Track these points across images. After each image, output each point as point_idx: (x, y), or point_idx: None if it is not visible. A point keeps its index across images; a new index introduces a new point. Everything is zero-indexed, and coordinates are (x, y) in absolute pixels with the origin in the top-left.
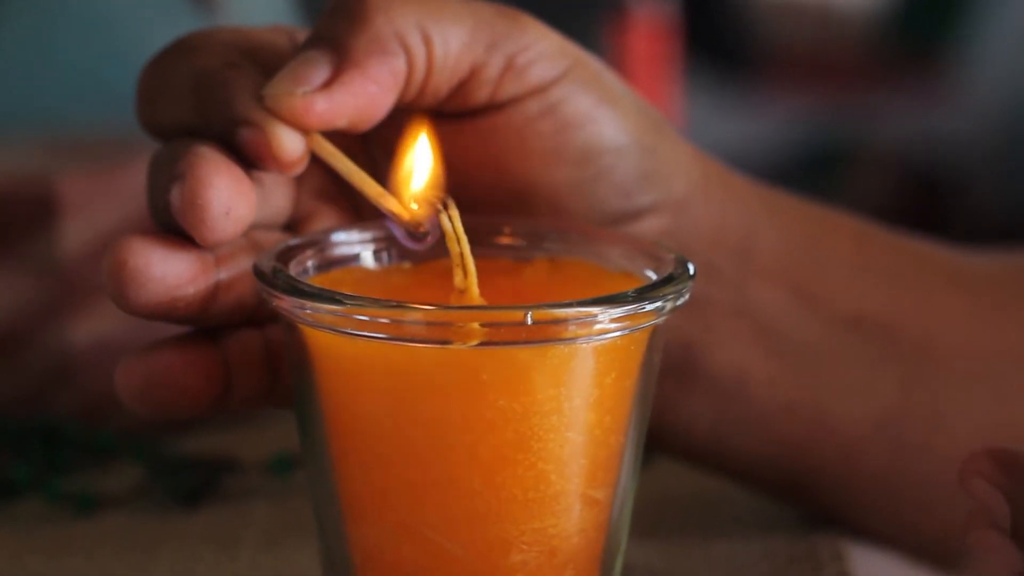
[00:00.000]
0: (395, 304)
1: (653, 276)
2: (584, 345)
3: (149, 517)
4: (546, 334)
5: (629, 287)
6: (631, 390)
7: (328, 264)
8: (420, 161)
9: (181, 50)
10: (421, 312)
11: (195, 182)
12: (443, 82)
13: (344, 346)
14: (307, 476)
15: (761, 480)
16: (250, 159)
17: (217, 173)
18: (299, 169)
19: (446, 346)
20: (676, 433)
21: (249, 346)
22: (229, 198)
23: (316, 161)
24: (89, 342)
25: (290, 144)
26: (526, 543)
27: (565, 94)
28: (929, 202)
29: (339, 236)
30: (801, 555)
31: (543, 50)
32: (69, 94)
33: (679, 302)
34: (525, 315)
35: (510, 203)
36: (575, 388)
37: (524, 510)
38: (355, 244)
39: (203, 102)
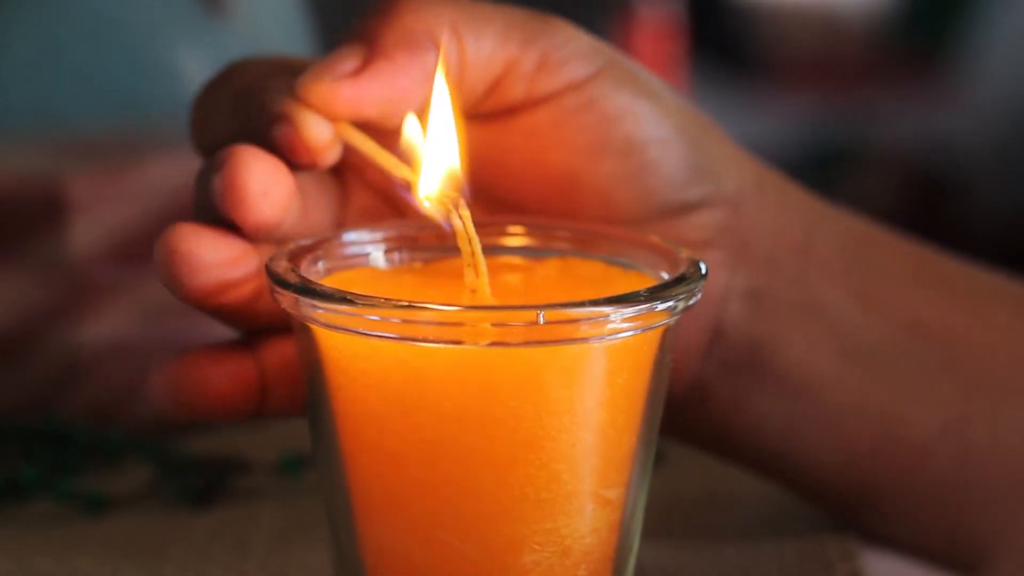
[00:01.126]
0: (406, 304)
1: (665, 276)
2: (596, 345)
3: (158, 518)
4: (558, 334)
5: (641, 287)
6: (643, 390)
7: (340, 264)
8: (438, 148)
9: (228, 74)
10: (432, 312)
11: (231, 168)
12: (478, 80)
13: (355, 346)
14: (319, 476)
15: (827, 490)
16: (284, 154)
17: (253, 158)
18: (328, 158)
19: (457, 346)
20: (746, 437)
21: (289, 355)
22: (265, 180)
23: (365, 182)
24: (97, 343)
25: (317, 130)
26: (538, 543)
27: (602, 91)
28: (933, 202)
29: (350, 236)
30: (812, 555)
31: (577, 48)
32: (77, 95)
33: (691, 302)
34: (537, 315)
35: (558, 199)
36: (587, 388)
37: (536, 510)
38: (366, 244)
39: (242, 108)
